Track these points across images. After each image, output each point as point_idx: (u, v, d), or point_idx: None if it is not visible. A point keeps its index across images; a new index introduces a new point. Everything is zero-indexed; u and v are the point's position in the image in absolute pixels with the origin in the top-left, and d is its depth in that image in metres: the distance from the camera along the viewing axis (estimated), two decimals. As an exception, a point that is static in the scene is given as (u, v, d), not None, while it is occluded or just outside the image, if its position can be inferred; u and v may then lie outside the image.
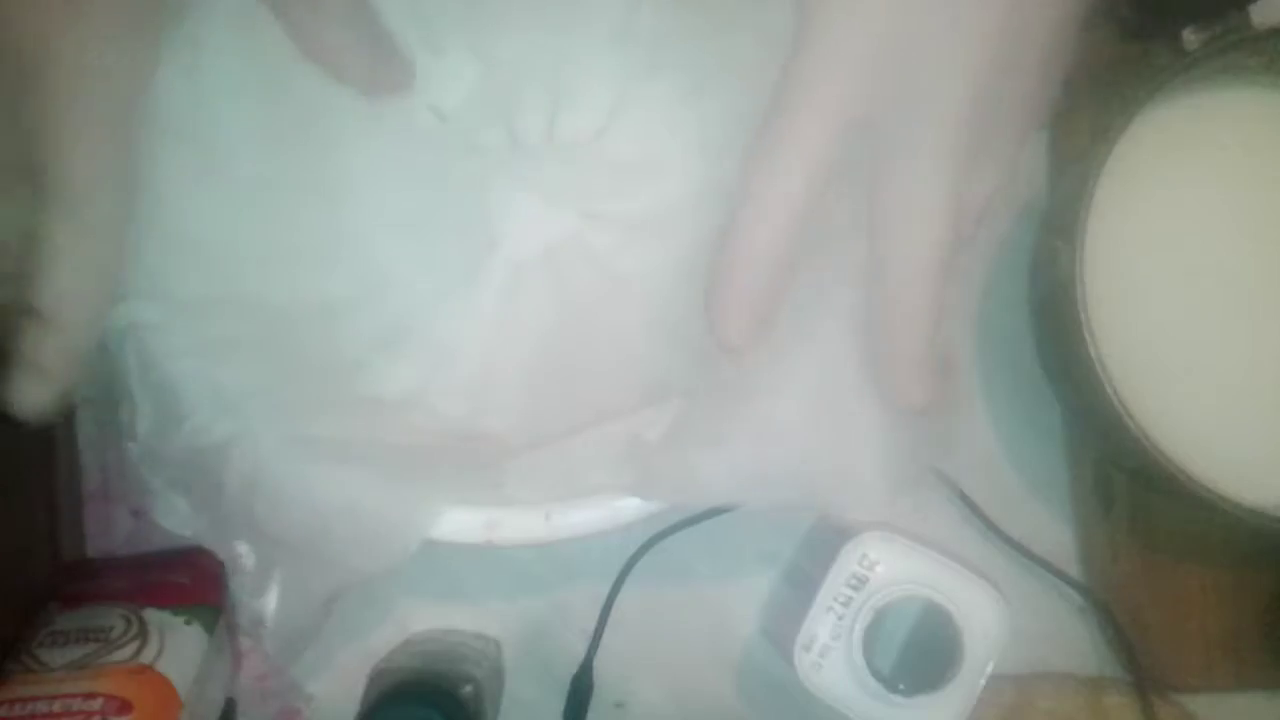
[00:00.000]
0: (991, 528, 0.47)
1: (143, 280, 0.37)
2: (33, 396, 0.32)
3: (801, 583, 0.43)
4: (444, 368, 0.44)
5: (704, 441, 0.36)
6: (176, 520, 0.38)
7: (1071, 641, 0.48)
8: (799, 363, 0.35)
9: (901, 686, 0.40)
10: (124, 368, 0.36)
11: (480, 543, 0.37)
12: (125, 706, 0.38)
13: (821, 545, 0.44)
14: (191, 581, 0.44)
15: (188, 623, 0.42)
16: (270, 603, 0.38)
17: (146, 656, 0.40)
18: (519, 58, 0.46)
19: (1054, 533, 0.48)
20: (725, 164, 0.43)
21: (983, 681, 0.40)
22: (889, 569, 0.40)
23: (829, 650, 0.40)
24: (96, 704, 0.37)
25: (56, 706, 0.37)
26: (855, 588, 0.40)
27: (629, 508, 0.37)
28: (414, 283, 0.45)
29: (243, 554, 0.38)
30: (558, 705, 0.46)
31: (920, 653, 0.40)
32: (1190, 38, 0.41)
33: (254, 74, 0.42)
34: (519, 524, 0.37)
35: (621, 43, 0.45)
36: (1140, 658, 0.46)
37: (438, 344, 0.44)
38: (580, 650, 0.46)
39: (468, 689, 0.41)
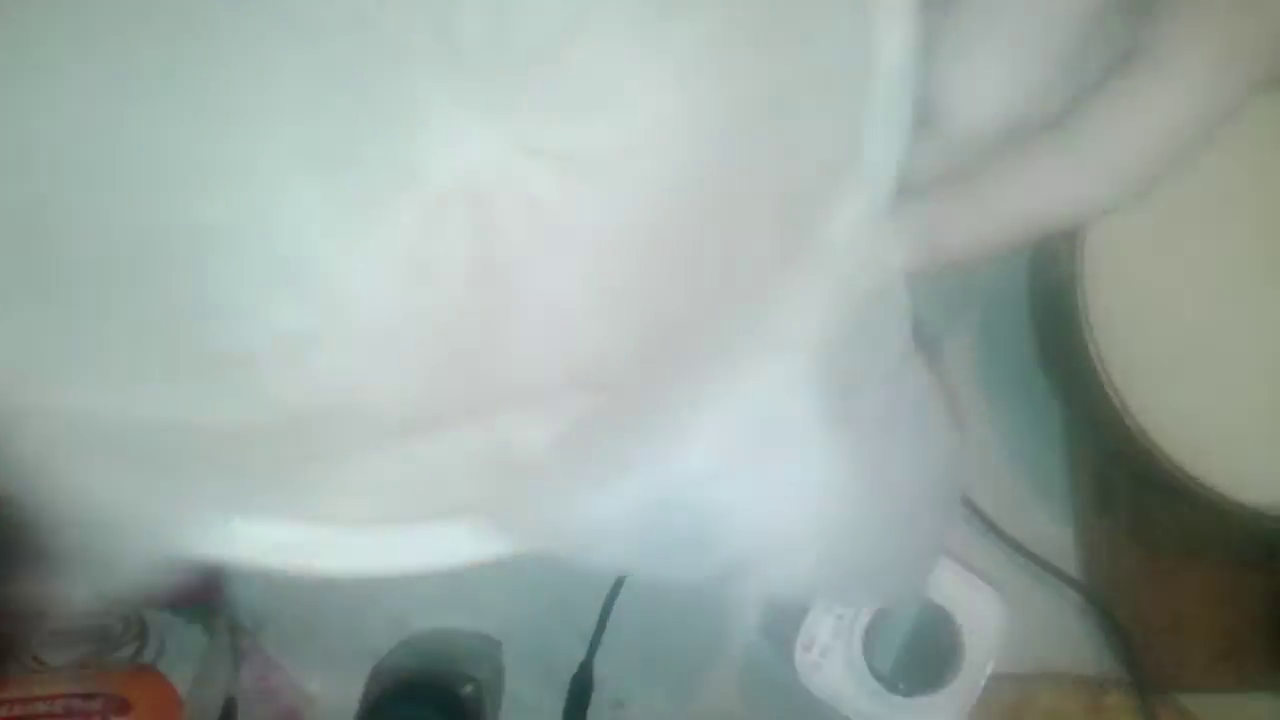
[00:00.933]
0: (991, 528, 0.47)
1: None
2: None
3: (801, 583, 0.43)
4: (333, 318, 0.35)
5: (594, 473, 0.27)
6: None
7: (1071, 641, 0.48)
8: (726, 396, 0.26)
9: (901, 686, 0.40)
10: None
11: (279, 569, 0.27)
12: (125, 706, 0.38)
13: (821, 545, 0.44)
14: (191, 581, 0.44)
15: (188, 623, 0.42)
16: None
17: (146, 656, 0.40)
18: None
19: (1054, 533, 0.48)
20: (696, 97, 0.34)
21: (983, 681, 0.40)
22: (889, 569, 0.40)
23: (829, 650, 0.40)
24: (96, 704, 0.37)
25: (57, 706, 0.37)
26: (855, 588, 0.40)
27: (475, 544, 0.27)
28: (307, 210, 0.36)
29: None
30: (558, 705, 0.46)
31: (920, 653, 0.40)
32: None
33: None
34: (339, 552, 0.27)
35: None
36: (1140, 658, 0.46)
37: (329, 287, 0.35)
38: (580, 650, 0.46)
39: (468, 689, 0.41)
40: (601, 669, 0.46)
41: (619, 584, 0.46)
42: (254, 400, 0.31)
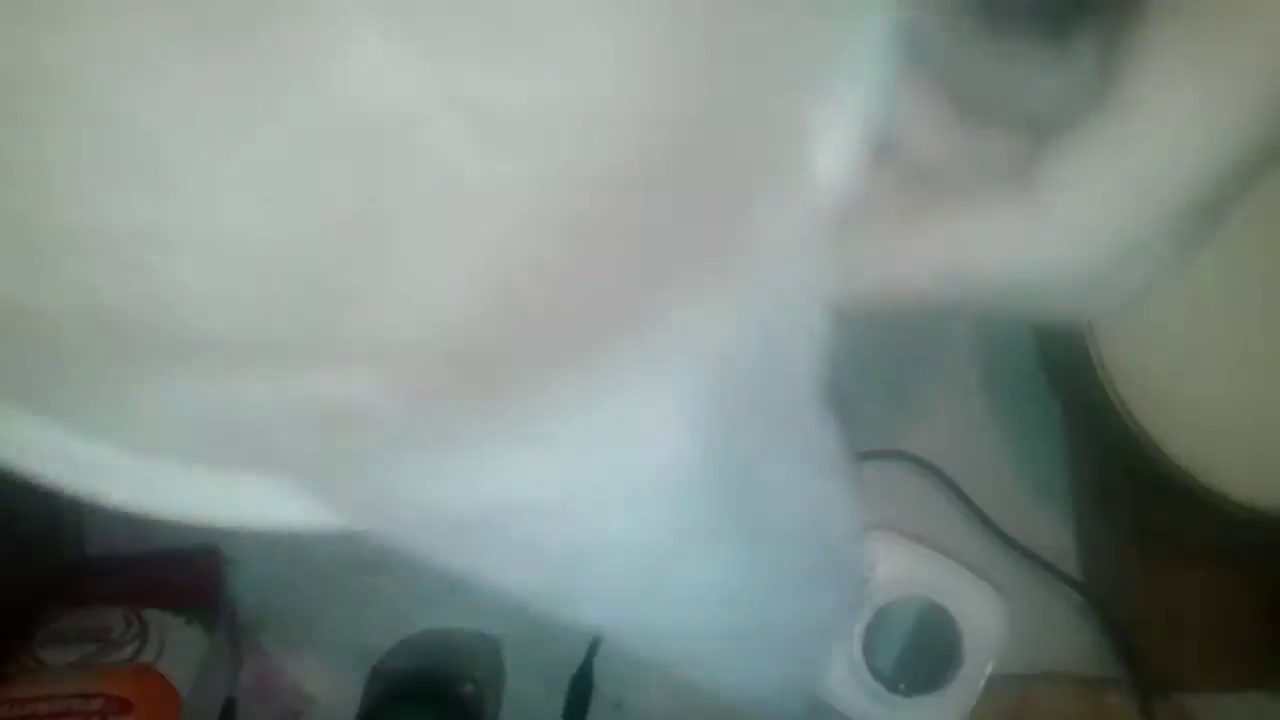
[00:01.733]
0: (991, 528, 0.47)
1: None
2: None
3: (801, 583, 0.43)
4: (184, 221, 0.29)
5: (420, 444, 0.24)
6: None
7: (1071, 641, 0.48)
8: (579, 391, 0.23)
9: (901, 686, 0.40)
10: None
11: (51, 483, 0.24)
12: (125, 706, 0.38)
13: (821, 545, 0.44)
14: (191, 581, 0.44)
15: (188, 623, 0.42)
16: None
17: (146, 656, 0.40)
18: None
19: (1054, 533, 0.48)
20: (645, 81, 0.30)
21: (983, 681, 0.40)
22: (889, 569, 0.40)
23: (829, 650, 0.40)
24: (96, 704, 0.37)
25: (57, 706, 0.37)
26: (855, 588, 0.40)
27: (275, 508, 0.24)
28: (176, 85, 0.30)
29: None
30: (558, 705, 0.46)
31: (920, 653, 0.40)
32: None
33: None
34: (121, 480, 0.24)
35: None
36: (1140, 658, 0.46)
37: (186, 185, 0.31)
38: (580, 650, 0.46)
39: (468, 689, 0.41)
40: (601, 669, 0.46)
41: (619, 584, 0.46)
42: (74, 287, 0.25)
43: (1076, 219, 0.22)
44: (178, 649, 0.41)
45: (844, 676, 0.40)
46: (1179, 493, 0.40)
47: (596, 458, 0.23)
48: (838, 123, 0.23)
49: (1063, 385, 0.47)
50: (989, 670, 0.40)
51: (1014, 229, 0.22)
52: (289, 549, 0.47)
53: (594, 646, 0.46)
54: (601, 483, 0.23)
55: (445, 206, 0.27)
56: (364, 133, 0.26)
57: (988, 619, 0.40)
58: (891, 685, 0.40)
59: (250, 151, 0.27)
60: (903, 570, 0.40)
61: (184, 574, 0.44)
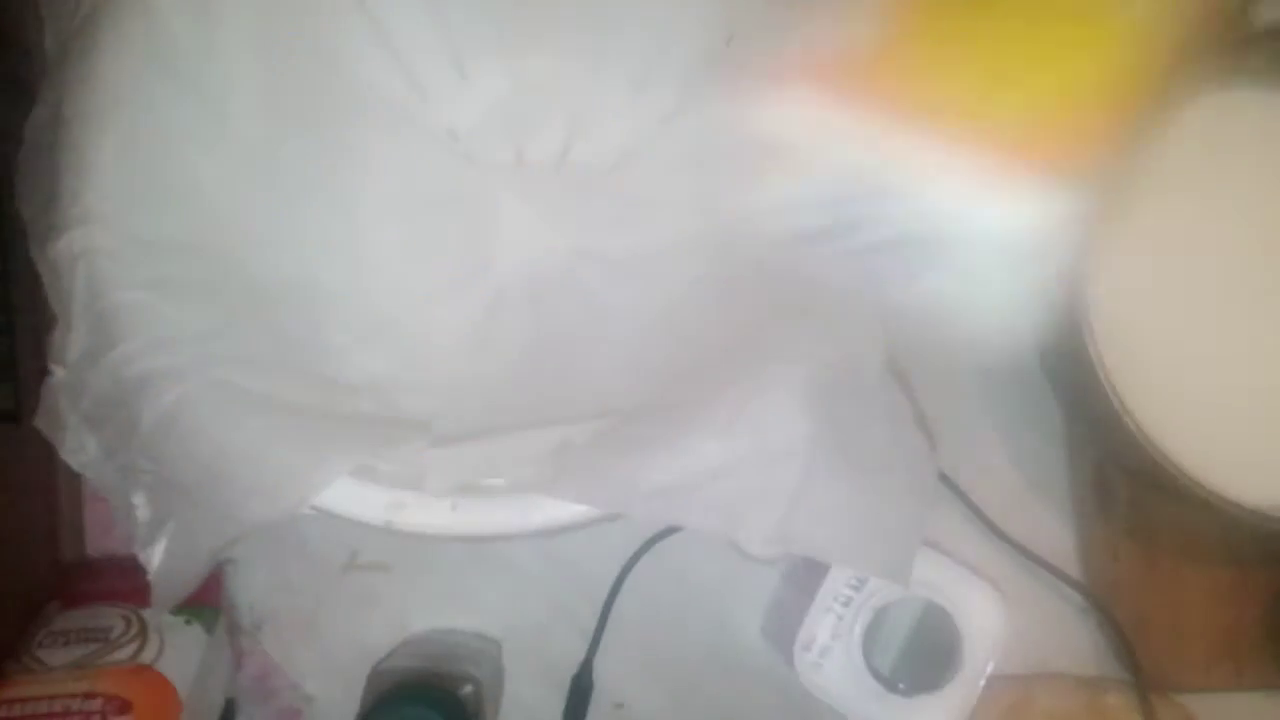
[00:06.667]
0: (991, 528, 0.47)
1: (112, 208, 0.36)
2: None
3: (801, 583, 0.43)
4: (413, 369, 0.44)
5: (621, 449, 0.35)
6: (82, 460, 0.37)
7: (1071, 641, 0.48)
8: (723, 402, 0.35)
9: (901, 686, 0.40)
10: (70, 291, 0.35)
11: (380, 523, 0.35)
12: (125, 706, 0.38)
13: (821, 545, 0.44)
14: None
15: (188, 623, 0.42)
16: (158, 554, 0.37)
17: (146, 656, 0.40)
18: (541, 84, 0.46)
19: (1054, 533, 0.48)
20: (718, 222, 0.44)
21: (983, 681, 0.40)
22: (889, 569, 0.40)
23: (829, 650, 0.40)
24: (96, 704, 0.37)
25: (56, 706, 0.37)
26: (855, 588, 0.40)
27: (540, 511, 0.35)
28: (405, 284, 0.45)
29: (138, 505, 0.37)
30: (558, 705, 0.46)
31: (920, 653, 0.40)
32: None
33: (270, 37, 0.41)
34: (424, 510, 0.35)
35: (647, 86, 0.46)
36: (1140, 658, 0.46)
37: (414, 346, 0.44)
38: (580, 650, 0.46)
39: (468, 689, 0.41)
40: (601, 669, 0.46)
41: (619, 584, 0.46)
42: (354, 407, 0.41)
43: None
44: (178, 649, 0.41)
45: (844, 676, 0.40)
46: (1179, 493, 0.40)
47: (746, 439, 0.34)
48: None
49: (1063, 385, 0.47)
50: (989, 670, 0.40)
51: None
52: (289, 549, 0.47)
53: (594, 646, 0.46)
54: (751, 452, 0.34)
55: (600, 321, 0.45)
56: (528, 290, 0.46)
57: (988, 619, 0.40)
58: (891, 685, 0.40)
59: (449, 318, 0.46)
60: (903, 570, 0.40)
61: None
